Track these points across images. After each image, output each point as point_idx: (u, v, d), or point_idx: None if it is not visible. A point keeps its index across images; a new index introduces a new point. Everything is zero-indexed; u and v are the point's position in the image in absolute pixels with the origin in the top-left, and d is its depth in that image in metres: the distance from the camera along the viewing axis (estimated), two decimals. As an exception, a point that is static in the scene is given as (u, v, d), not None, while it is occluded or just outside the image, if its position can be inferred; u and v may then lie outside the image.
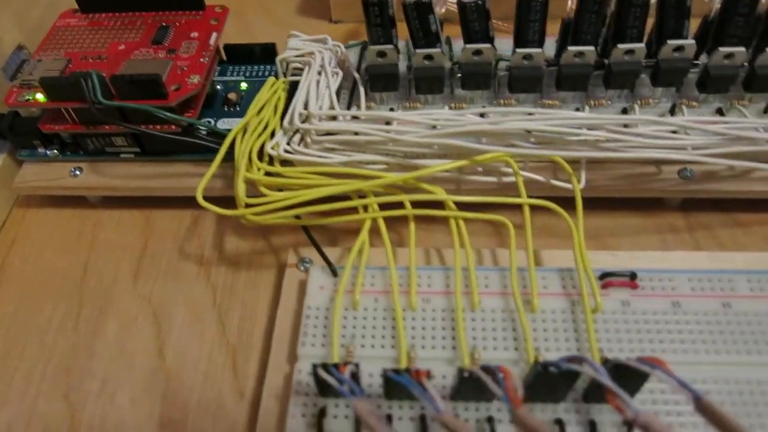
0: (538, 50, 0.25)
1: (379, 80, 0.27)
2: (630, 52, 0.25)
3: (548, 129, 0.23)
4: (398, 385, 0.17)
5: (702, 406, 0.15)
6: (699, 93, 0.26)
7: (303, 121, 0.25)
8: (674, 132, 0.24)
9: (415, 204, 0.23)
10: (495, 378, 0.16)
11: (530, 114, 0.23)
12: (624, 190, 0.26)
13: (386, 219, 0.23)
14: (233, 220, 0.28)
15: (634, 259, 0.23)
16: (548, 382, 0.17)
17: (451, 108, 0.27)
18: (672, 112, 0.26)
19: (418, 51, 0.26)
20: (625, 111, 0.27)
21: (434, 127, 0.24)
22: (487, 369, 0.16)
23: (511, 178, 0.24)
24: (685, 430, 0.18)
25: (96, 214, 0.29)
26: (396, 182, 0.23)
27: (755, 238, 0.26)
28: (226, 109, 0.29)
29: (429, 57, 0.26)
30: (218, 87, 0.30)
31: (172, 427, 0.22)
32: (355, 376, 0.18)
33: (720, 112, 0.26)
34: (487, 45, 0.25)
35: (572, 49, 0.25)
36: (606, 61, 0.26)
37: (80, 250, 0.28)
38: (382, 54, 0.26)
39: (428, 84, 0.26)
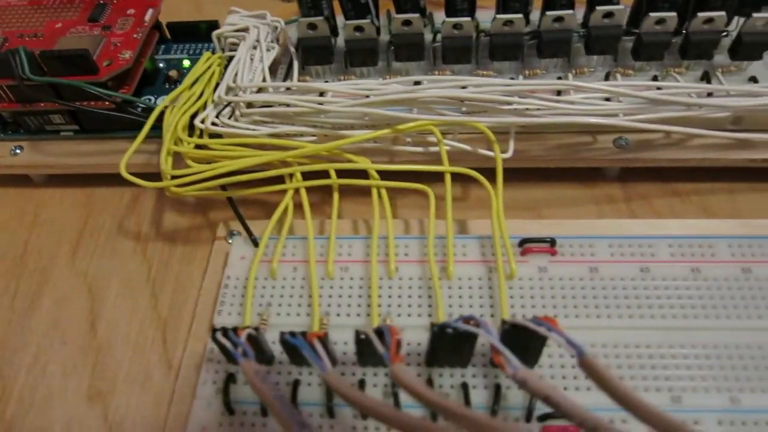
0: (467, 19, 0.25)
1: (312, 53, 0.26)
2: (559, 19, 0.24)
3: (472, 96, 0.22)
4: (293, 347, 0.17)
5: (584, 362, 0.15)
6: (634, 61, 0.26)
7: (229, 94, 0.25)
8: (607, 99, 0.24)
9: (341, 174, 0.23)
10: (382, 338, 0.16)
11: (456, 83, 0.23)
12: (559, 159, 0.26)
13: (322, 192, 0.23)
14: (173, 197, 0.28)
15: (558, 226, 0.23)
16: (447, 344, 0.17)
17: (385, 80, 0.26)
18: (607, 80, 0.26)
19: (348, 23, 0.25)
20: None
21: (367, 97, 0.24)
22: (378, 330, 0.16)
23: (438, 148, 0.24)
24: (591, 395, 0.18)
25: (40, 193, 0.29)
26: (317, 152, 0.23)
27: (692, 207, 0.26)
28: (167, 86, 0.29)
29: (360, 28, 0.25)
30: (161, 65, 0.30)
31: (100, 398, 0.23)
32: (254, 340, 0.18)
33: (656, 79, 0.26)
34: (416, 15, 0.25)
35: (501, 17, 0.25)
36: (539, 30, 0.25)
37: (22, 229, 0.28)
38: (312, 26, 0.26)
39: (362, 56, 0.26)
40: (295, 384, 0.19)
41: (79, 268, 0.26)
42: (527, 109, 0.23)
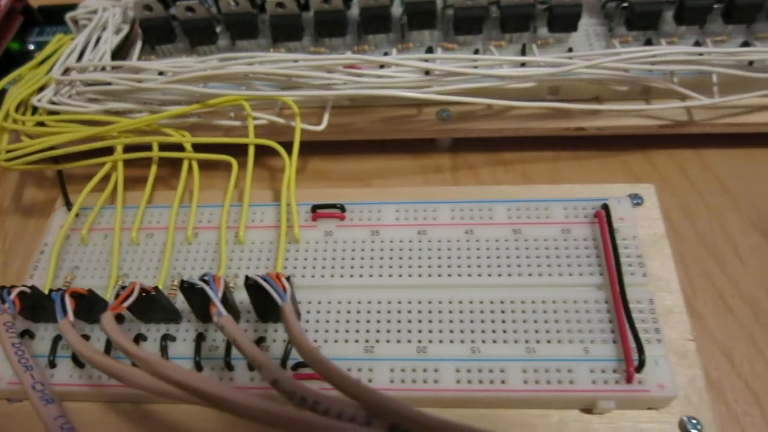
0: (285, -3, 0.26)
1: (151, 33, 0.28)
2: (373, -5, 0.25)
3: (274, 71, 0.24)
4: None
5: (219, 323, 0.16)
6: (455, 35, 0.27)
7: (63, 73, 0.26)
8: (427, 73, 0.25)
9: (167, 149, 0.25)
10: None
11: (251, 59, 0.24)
12: (384, 132, 0.27)
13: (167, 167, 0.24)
14: (35, 174, 0.30)
15: (358, 193, 0.24)
16: (192, 298, 0.19)
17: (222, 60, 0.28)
18: (430, 52, 0.27)
19: (179, 3, 0.27)
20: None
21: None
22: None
23: (262, 121, 0.25)
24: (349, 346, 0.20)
25: None
26: (134, 126, 0.24)
27: (514, 175, 0.27)
28: (35, 68, 0.31)
29: (191, 8, 0.27)
30: (31, 47, 0.32)
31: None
32: (29, 297, 0.19)
33: (477, 53, 0.27)
34: (241, -6, 0.26)
35: (319, -4, 0.26)
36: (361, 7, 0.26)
37: None
38: (148, 7, 0.27)
39: (197, 36, 0.27)
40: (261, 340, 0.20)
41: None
42: (336, 83, 0.24)
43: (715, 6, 0.26)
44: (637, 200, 0.23)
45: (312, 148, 0.28)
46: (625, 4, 0.26)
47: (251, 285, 0.18)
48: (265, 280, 0.17)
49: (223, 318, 0.16)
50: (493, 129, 0.27)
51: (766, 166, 0.26)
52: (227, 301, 0.18)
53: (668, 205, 0.26)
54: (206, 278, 0.18)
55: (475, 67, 0.25)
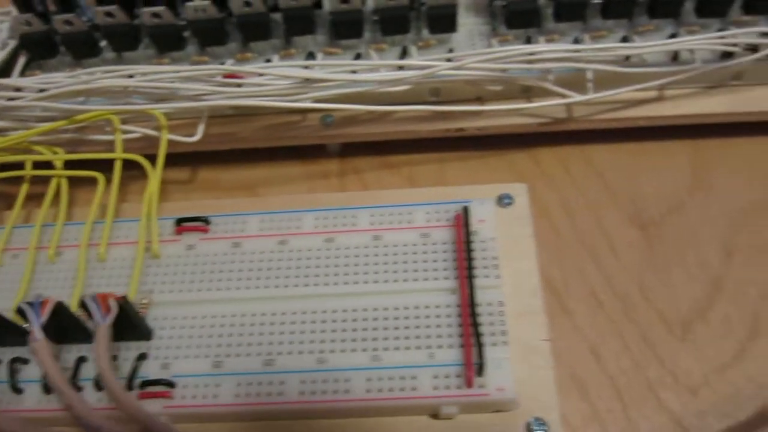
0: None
1: (33, 48, 0.28)
2: (247, 4, 0.25)
3: (136, 84, 0.23)
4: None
5: (32, 349, 0.16)
6: (336, 40, 0.27)
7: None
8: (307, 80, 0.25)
9: (37, 165, 0.24)
10: None
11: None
12: (267, 139, 0.27)
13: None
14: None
15: (231, 204, 0.24)
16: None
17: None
18: (311, 59, 0.27)
19: (57, 17, 0.26)
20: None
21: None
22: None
23: (135, 134, 0.25)
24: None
25: None
26: (6, 144, 0.24)
27: (400, 178, 0.27)
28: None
29: (69, 22, 0.26)
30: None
31: None
32: None
33: (359, 56, 0.27)
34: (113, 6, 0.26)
35: (192, 4, 0.25)
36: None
37: None
38: (27, 23, 0.27)
39: (79, 49, 0.27)
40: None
41: None
42: (209, 94, 0.24)
43: (594, 1, 0.26)
44: (507, 200, 0.23)
45: (201, 158, 0.28)
46: (504, 3, 0.26)
47: (59, 309, 0.18)
48: (92, 300, 0.17)
49: (36, 343, 0.16)
50: (376, 133, 0.27)
51: (645, 161, 0.26)
52: (65, 323, 0.18)
53: (549, 203, 0.26)
54: (31, 302, 0.18)
55: (354, 71, 0.25)
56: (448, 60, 0.24)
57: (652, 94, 0.26)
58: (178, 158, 0.27)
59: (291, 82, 0.24)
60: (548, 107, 0.25)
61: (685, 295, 0.23)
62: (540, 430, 0.18)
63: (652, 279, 0.23)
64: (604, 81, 0.25)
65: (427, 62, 0.24)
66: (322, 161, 0.28)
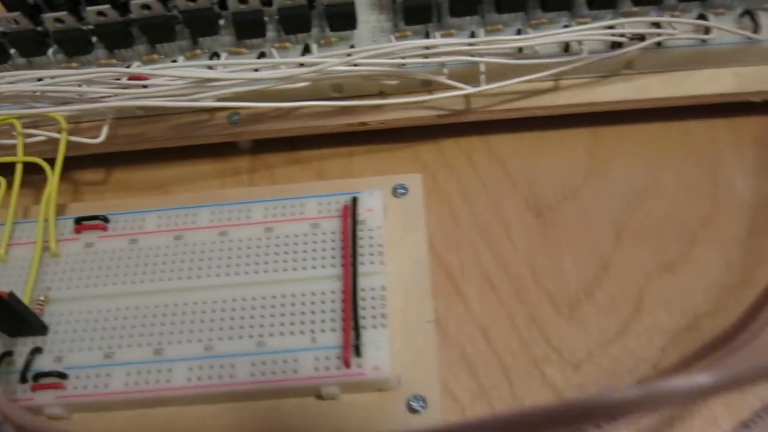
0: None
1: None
2: (146, 7, 0.26)
3: (43, 89, 0.24)
4: None
5: None
6: (238, 40, 0.28)
7: None
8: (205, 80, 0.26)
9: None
10: None
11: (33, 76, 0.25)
12: (175, 139, 0.27)
13: None
14: None
15: (129, 202, 0.24)
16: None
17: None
18: (216, 59, 0.28)
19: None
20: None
21: None
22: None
23: (40, 138, 0.25)
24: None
25: None
26: None
27: (310, 172, 0.28)
28: None
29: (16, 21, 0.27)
30: None
31: None
32: None
33: (263, 56, 0.28)
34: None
35: (93, 9, 0.26)
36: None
37: None
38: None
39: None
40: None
41: None
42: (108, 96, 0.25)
43: (488, -4, 0.27)
44: (402, 190, 0.24)
45: (115, 159, 0.28)
46: (401, -1, 0.27)
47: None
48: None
49: None
50: (282, 129, 0.27)
51: (545, 149, 0.27)
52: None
53: (451, 192, 0.27)
54: None
55: (256, 70, 0.26)
56: (348, 55, 0.25)
57: (548, 84, 0.27)
58: (90, 160, 0.28)
59: (187, 82, 0.24)
60: (447, 99, 0.26)
61: (575, 276, 0.24)
62: (419, 406, 0.19)
63: (544, 262, 0.24)
64: (498, 73, 0.26)
65: (317, 59, 0.24)
66: (233, 158, 0.29)
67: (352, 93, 0.27)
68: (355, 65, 0.25)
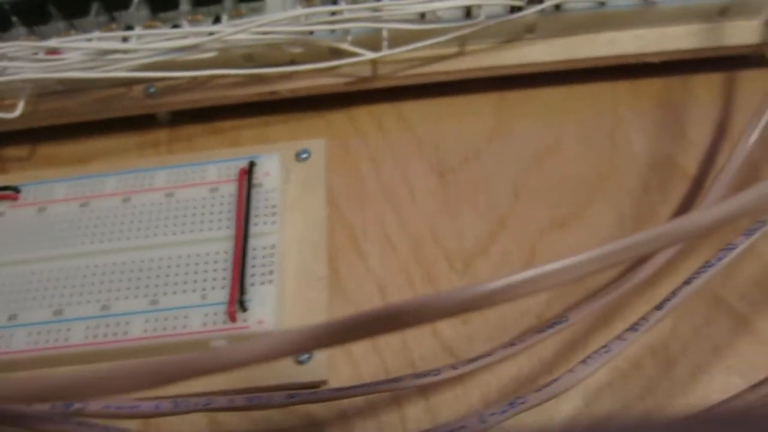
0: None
1: None
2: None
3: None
4: None
5: None
6: (152, 14, 0.28)
7: None
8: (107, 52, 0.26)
9: None
10: None
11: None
12: (94, 113, 0.28)
13: None
14: None
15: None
16: None
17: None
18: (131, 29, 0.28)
19: None
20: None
21: None
22: None
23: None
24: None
25: None
26: None
27: (225, 142, 0.29)
28: None
29: None
30: None
31: None
32: None
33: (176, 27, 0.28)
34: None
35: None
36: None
37: None
38: None
39: None
40: None
41: None
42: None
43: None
44: (305, 155, 0.25)
45: (40, 134, 0.29)
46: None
47: None
48: None
49: None
50: (196, 99, 0.28)
51: (452, 113, 0.28)
52: None
53: (360, 158, 0.27)
54: None
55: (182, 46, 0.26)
56: (259, 27, 0.25)
57: (453, 50, 0.28)
58: (17, 136, 0.29)
59: (100, 54, 0.25)
60: (353, 67, 0.27)
61: (472, 234, 0.25)
62: (304, 358, 0.20)
63: (444, 222, 0.25)
64: (403, 38, 0.26)
65: (222, 28, 0.25)
66: (153, 131, 0.29)
67: (263, 62, 0.28)
68: (264, 34, 0.26)
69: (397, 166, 0.27)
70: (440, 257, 0.24)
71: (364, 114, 0.29)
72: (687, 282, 0.19)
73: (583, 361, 0.18)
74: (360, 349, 0.23)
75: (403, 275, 0.24)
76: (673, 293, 0.19)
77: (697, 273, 0.19)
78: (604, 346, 0.19)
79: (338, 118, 0.29)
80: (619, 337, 0.18)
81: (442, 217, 0.25)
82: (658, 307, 0.19)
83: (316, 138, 0.26)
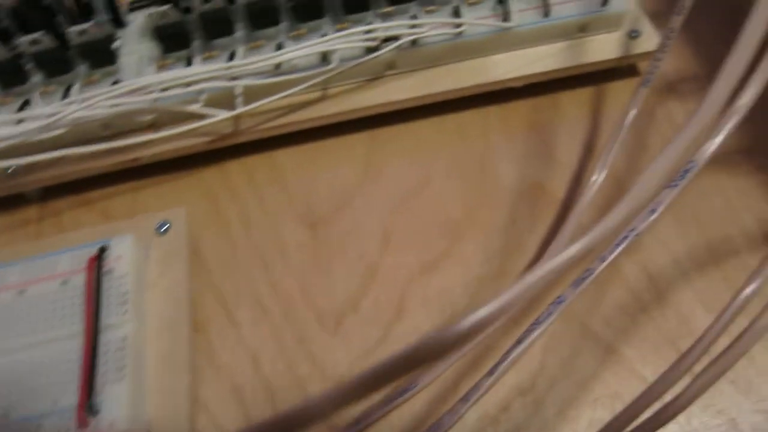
0: None
1: None
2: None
3: None
4: None
5: None
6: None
7: None
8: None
9: None
10: None
11: None
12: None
13: None
14: None
15: None
16: None
17: None
18: None
19: None
20: None
21: None
22: None
23: None
24: None
25: None
26: None
27: (96, 213, 0.28)
28: None
29: None
30: None
31: None
32: None
33: (26, 103, 0.27)
34: None
35: None
36: None
37: None
38: None
39: None
40: None
41: None
42: None
43: (237, 17, 0.27)
44: (165, 226, 0.24)
45: None
46: (154, 26, 0.27)
47: None
48: None
49: None
50: (57, 175, 0.27)
51: (324, 159, 0.28)
52: None
53: (230, 215, 0.27)
54: None
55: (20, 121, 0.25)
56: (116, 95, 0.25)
57: (316, 95, 0.27)
58: None
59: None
60: (213, 125, 0.26)
61: (343, 288, 0.25)
62: (167, 448, 0.20)
63: (315, 277, 0.25)
64: (261, 91, 0.26)
65: (59, 108, 0.24)
66: (22, 209, 0.28)
67: (121, 129, 0.27)
68: (115, 106, 0.25)
69: (268, 222, 0.27)
70: (311, 317, 0.24)
71: (236, 167, 0.28)
72: (519, 341, 0.19)
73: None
74: (232, 423, 0.22)
75: (275, 341, 0.24)
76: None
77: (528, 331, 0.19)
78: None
79: (210, 175, 0.28)
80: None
81: (313, 272, 0.25)
82: (489, 372, 0.18)
83: (182, 204, 0.26)
